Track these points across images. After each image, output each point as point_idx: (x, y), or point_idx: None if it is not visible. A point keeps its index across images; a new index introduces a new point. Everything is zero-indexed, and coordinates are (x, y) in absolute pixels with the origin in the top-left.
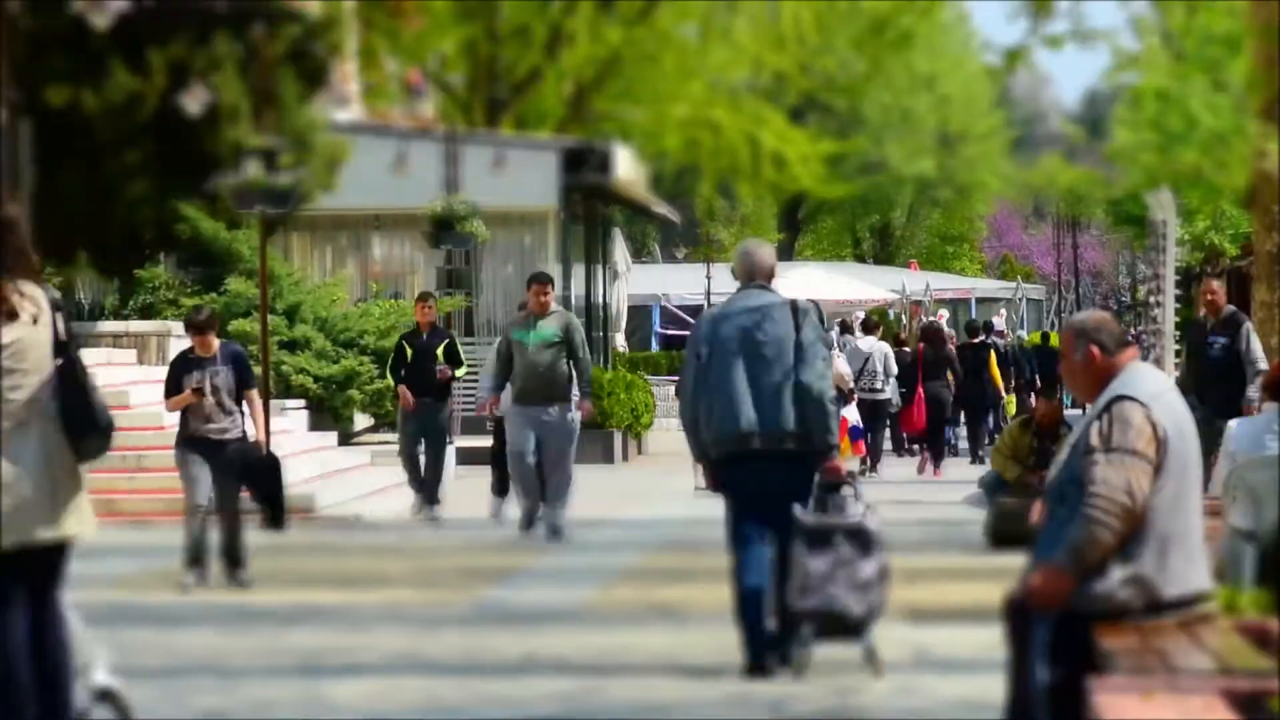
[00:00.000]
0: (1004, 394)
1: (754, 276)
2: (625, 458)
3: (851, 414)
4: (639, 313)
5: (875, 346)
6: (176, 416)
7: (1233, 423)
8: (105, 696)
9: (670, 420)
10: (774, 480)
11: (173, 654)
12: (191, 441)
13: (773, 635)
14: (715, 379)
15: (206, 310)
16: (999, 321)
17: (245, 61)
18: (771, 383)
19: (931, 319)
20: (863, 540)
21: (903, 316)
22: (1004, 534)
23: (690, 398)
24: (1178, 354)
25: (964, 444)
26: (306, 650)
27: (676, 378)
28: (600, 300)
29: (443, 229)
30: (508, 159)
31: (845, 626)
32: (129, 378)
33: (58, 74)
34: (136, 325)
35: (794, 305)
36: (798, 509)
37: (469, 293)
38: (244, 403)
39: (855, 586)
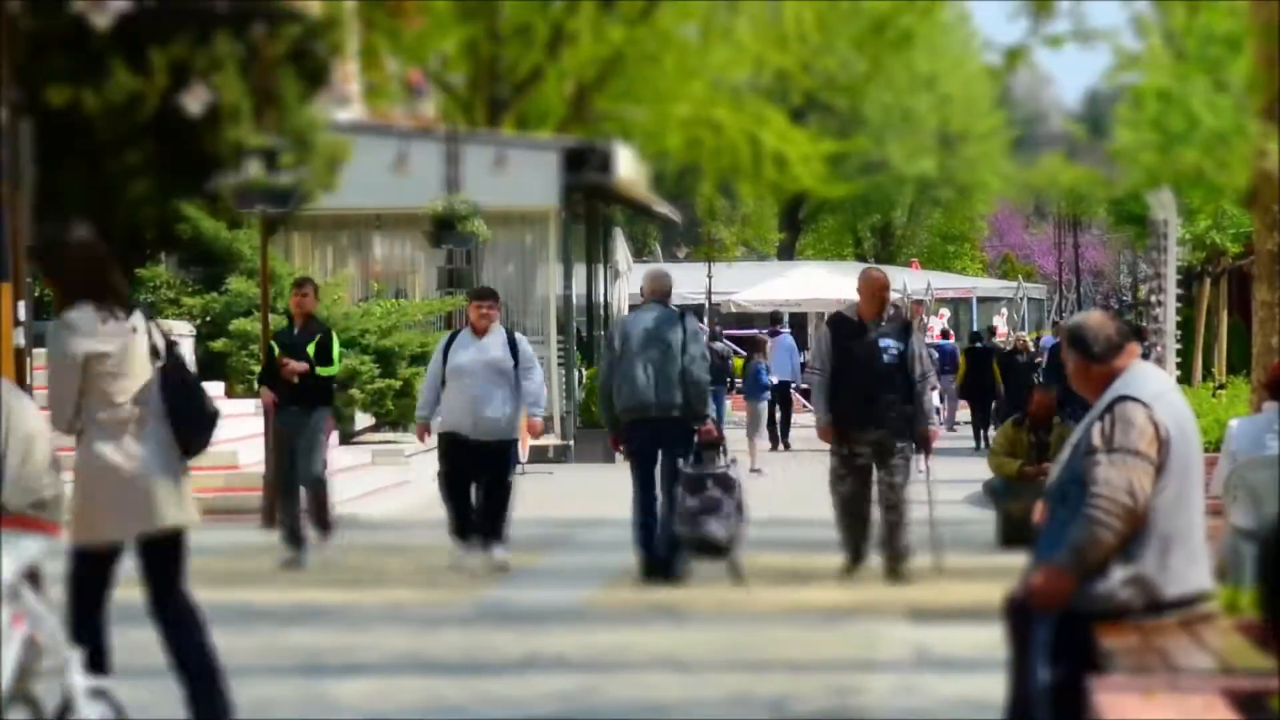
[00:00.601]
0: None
1: (655, 294)
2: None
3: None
4: None
5: None
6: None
7: (1233, 422)
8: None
9: None
10: (664, 437)
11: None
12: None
13: (662, 557)
14: (625, 366)
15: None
16: (1000, 321)
17: (246, 61)
18: (664, 369)
19: (943, 326)
20: (726, 484)
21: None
22: (1015, 539)
23: (605, 379)
24: (1178, 354)
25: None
26: (307, 650)
27: None
28: (601, 300)
29: (444, 228)
30: (509, 158)
31: (714, 548)
32: None
33: (58, 74)
34: None
35: (681, 313)
36: (680, 462)
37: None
38: None
39: (721, 518)
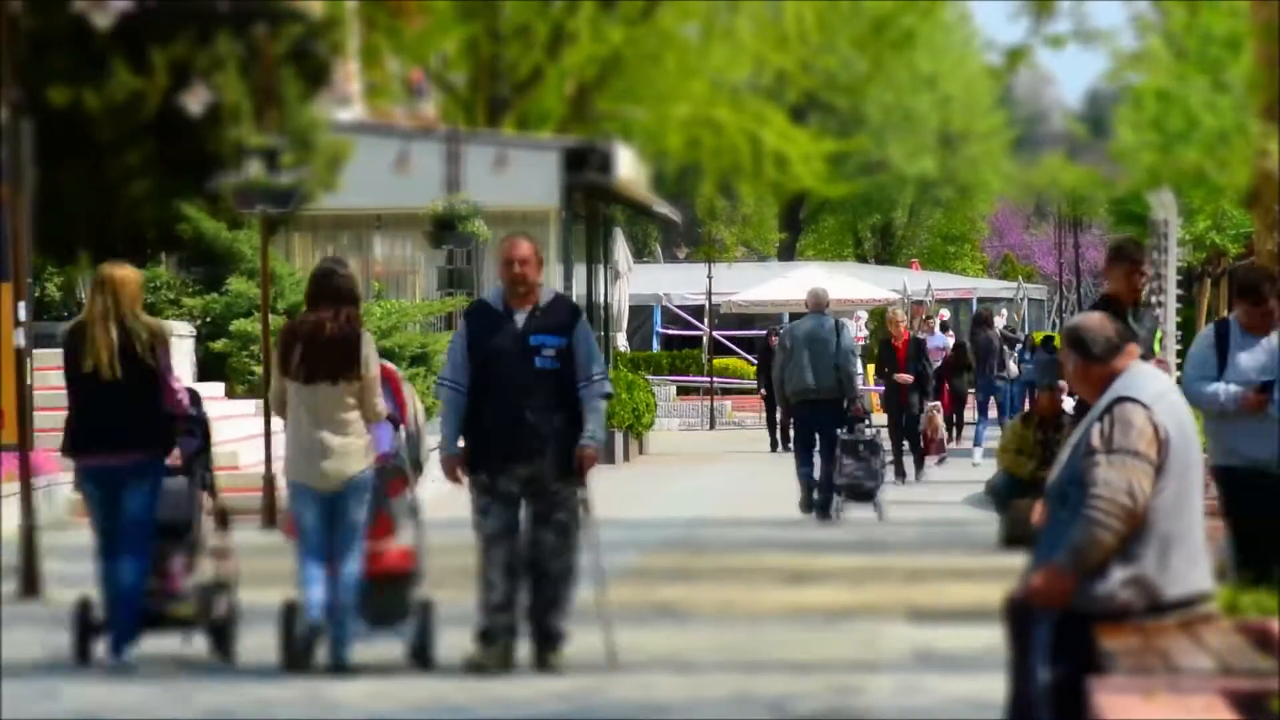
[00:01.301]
0: None
1: (816, 306)
2: (626, 458)
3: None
4: (640, 312)
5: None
6: None
7: None
8: None
9: (671, 420)
10: (824, 413)
11: (175, 652)
12: None
13: (817, 500)
14: (793, 361)
15: None
16: (1000, 322)
17: (247, 61)
18: (823, 362)
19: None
20: (873, 447)
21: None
22: (1019, 538)
23: (779, 371)
24: (1178, 354)
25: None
26: None
27: (678, 377)
28: (602, 300)
29: (444, 229)
30: (509, 158)
31: (863, 494)
32: None
33: (60, 73)
34: None
35: (837, 322)
36: (839, 431)
37: (470, 293)
38: None
39: (869, 473)
